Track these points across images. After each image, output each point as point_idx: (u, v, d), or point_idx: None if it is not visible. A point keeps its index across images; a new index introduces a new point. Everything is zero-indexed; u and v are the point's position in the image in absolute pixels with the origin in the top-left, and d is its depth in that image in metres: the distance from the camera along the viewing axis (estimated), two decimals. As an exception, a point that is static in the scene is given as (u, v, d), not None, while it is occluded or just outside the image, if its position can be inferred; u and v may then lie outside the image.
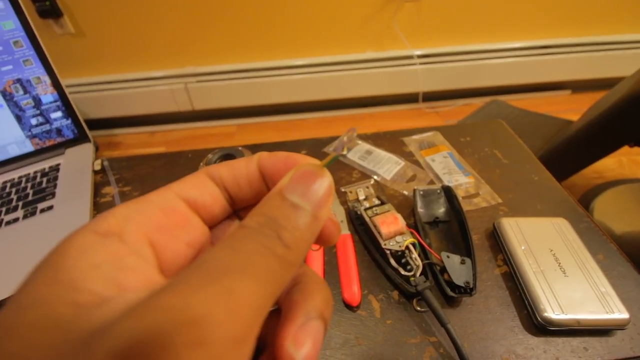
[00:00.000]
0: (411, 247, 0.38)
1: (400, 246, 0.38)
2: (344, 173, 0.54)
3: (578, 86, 1.78)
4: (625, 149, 0.91)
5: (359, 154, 0.57)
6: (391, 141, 0.60)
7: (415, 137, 0.60)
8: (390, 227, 0.40)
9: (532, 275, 0.37)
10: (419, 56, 1.55)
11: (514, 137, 0.59)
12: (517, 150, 0.57)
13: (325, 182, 0.13)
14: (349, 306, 0.37)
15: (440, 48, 1.56)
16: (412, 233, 0.40)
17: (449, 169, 0.53)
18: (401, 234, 0.40)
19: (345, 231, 0.44)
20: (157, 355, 0.08)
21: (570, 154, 0.98)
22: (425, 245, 0.39)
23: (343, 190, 0.47)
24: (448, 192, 0.46)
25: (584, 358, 0.33)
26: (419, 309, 0.37)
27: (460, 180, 0.51)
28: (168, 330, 0.09)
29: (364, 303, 0.38)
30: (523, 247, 0.39)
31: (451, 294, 0.36)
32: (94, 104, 1.56)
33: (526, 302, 0.36)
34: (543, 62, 1.62)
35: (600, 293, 0.35)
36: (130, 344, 0.08)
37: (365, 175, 0.53)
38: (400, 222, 0.40)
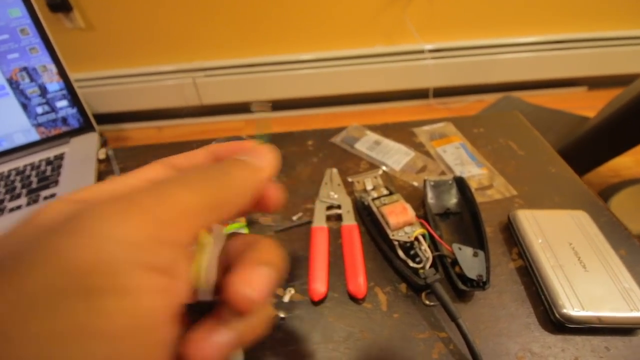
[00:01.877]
0: (421, 238, 0.36)
1: (409, 237, 0.36)
2: (352, 163, 0.53)
3: (594, 83, 1.73)
4: None
5: (367, 144, 0.55)
6: (400, 132, 0.58)
7: (426, 127, 0.58)
8: (399, 218, 0.38)
9: (550, 269, 0.34)
10: (430, 50, 1.52)
11: (530, 129, 0.57)
12: (533, 142, 0.54)
13: (265, 149, 0.16)
14: (354, 298, 0.36)
15: (452, 42, 1.53)
16: (421, 224, 0.38)
17: (461, 160, 0.51)
18: (410, 224, 0.38)
19: (351, 221, 0.42)
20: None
21: (586, 150, 0.94)
22: (436, 236, 0.37)
23: (350, 180, 0.46)
24: (460, 183, 0.44)
25: (605, 358, 0.31)
26: (428, 302, 0.35)
27: (473, 171, 0.49)
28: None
29: (369, 296, 0.36)
30: (540, 241, 0.37)
31: (462, 287, 0.34)
32: (103, 98, 1.57)
33: (543, 297, 0.34)
34: (558, 57, 1.57)
35: (624, 289, 0.33)
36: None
37: (373, 166, 0.52)
38: (409, 213, 0.38)
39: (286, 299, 0.36)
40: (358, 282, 0.36)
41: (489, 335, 0.32)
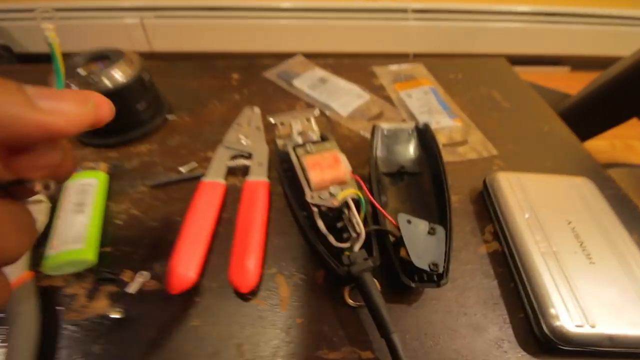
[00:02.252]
0: (351, 204, 0.23)
1: (333, 201, 0.23)
2: (285, 105, 0.38)
3: (578, 63, 1.65)
4: (619, 131, 0.81)
5: (309, 81, 0.41)
6: (358, 70, 0.44)
7: (391, 67, 0.44)
8: (325, 173, 0.25)
9: (539, 258, 0.23)
10: (414, 10, 1.36)
11: (519, 78, 0.44)
12: (522, 94, 0.42)
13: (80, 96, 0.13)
14: (238, 293, 0.23)
15: (438, 4, 1.38)
16: (357, 183, 0.25)
17: (429, 107, 0.38)
18: (341, 183, 0.25)
19: (259, 177, 0.29)
20: None
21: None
22: (373, 200, 0.24)
23: (273, 121, 0.31)
24: (423, 134, 0.31)
25: (611, 397, 0.20)
26: (351, 302, 0.23)
27: (443, 122, 0.36)
28: None
29: (265, 289, 0.23)
30: (527, 215, 0.25)
31: (406, 281, 0.22)
32: (30, 35, 1.32)
33: (526, 300, 0.22)
34: (546, 31, 1.46)
35: (646, 293, 0.21)
36: None
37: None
38: (342, 166, 0.25)
39: (132, 288, 0.23)
40: (245, 267, 0.22)
41: (439, 358, 0.21)
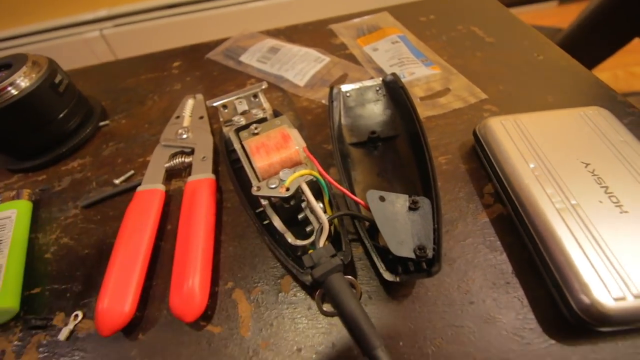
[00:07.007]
0: (305, 188, 0.18)
1: (283, 189, 0.18)
2: (233, 85, 0.33)
3: (566, -7, 1.55)
4: (619, 59, 0.74)
5: (257, 54, 0.35)
6: (314, 33, 0.38)
7: (352, 21, 0.38)
8: (272, 155, 0.20)
9: (556, 216, 0.18)
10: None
11: (500, 6, 0.38)
12: (506, 24, 0.36)
13: None
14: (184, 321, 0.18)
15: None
16: (311, 161, 0.20)
17: (399, 58, 0.32)
18: (295, 165, 0.20)
19: (203, 174, 0.24)
20: None
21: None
22: (328, 178, 0.19)
23: (213, 104, 0.26)
24: (392, 86, 0.26)
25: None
26: (327, 310, 0.18)
27: (418, 72, 0.30)
28: None
29: (221, 308, 0.19)
30: (532, 165, 0.20)
31: (389, 276, 0.17)
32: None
33: (545, 273, 0.18)
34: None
35: (701, 239, 0.16)
36: None
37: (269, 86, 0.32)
38: (291, 144, 0.20)
39: (62, 335, 0.19)
40: (186, 290, 0.18)
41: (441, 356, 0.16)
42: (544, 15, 1.65)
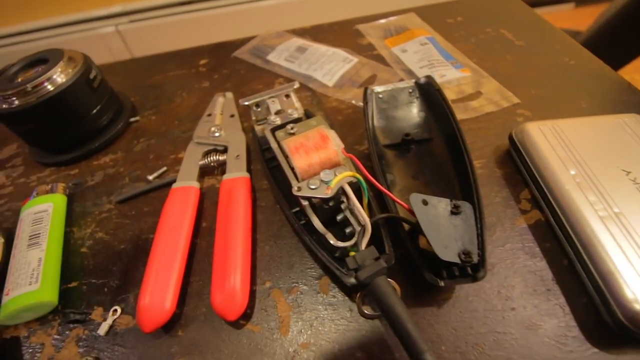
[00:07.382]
0: (348, 190, 0.18)
1: (325, 190, 0.18)
2: (261, 84, 0.33)
3: (583, -3, 1.53)
4: (637, 64, 0.73)
5: (285, 53, 0.35)
6: (340, 33, 0.38)
7: (378, 22, 0.38)
8: (312, 156, 0.20)
9: (598, 223, 0.18)
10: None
11: (529, 9, 0.38)
12: (536, 28, 0.36)
13: None
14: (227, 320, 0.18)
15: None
16: (354, 163, 0.20)
17: (429, 59, 0.32)
18: (335, 166, 0.20)
19: (238, 172, 0.24)
20: None
21: None
22: (373, 181, 0.19)
23: (246, 103, 0.26)
24: (427, 90, 0.26)
25: None
26: (368, 312, 0.18)
27: (449, 75, 0.30)
28: None
29: (260, 308, 0.19)
30: (573, 172, 0.20)
31: (434, 280, 0.17)
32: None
33: (588, 280, 0.17)
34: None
35: None
36: None
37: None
38: (330, 144, 0.20)
39: (102, 329, 0.19)
40: (228, 288, 0.18)
41: (488, 368, 0.16)
42: (559, 18, 1.63)
